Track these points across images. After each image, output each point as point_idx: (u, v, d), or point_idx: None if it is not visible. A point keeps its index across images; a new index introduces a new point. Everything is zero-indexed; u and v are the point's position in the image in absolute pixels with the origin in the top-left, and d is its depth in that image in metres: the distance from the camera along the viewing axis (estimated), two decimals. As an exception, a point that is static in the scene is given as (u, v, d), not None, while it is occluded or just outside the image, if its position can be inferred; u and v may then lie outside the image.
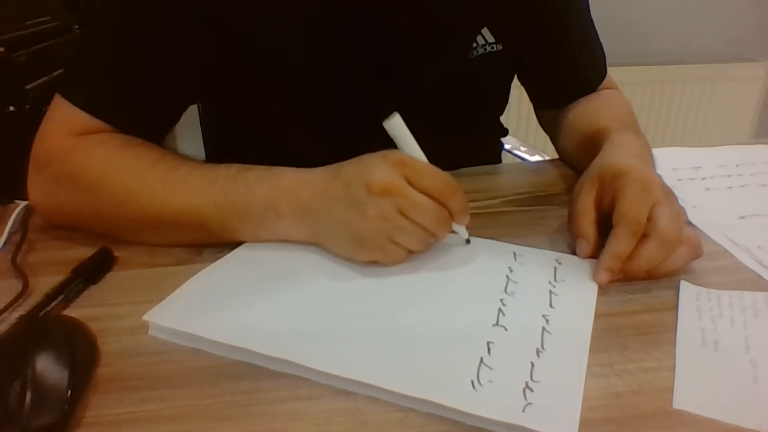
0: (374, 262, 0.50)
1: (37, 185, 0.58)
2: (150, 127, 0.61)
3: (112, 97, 0.58)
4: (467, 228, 0.54)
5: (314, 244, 0.52)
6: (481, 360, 0.40)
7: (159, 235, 0.55)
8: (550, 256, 0.54)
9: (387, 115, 0.49)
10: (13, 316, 0.45)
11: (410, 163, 0.48)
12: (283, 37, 0.63)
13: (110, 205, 0.54)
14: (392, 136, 0.50)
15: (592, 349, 0.42)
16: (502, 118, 0.86)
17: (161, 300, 0.46)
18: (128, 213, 0.54)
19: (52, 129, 0.58)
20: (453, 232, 0.53)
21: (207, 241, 0.54)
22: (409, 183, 0.47)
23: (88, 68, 0.60)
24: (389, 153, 0.49)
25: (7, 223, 0.57)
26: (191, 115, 0.92)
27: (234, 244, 0.54)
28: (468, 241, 0.54)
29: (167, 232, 0.54)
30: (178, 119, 0.67)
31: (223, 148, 0.85)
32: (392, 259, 0.50)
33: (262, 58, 0.64)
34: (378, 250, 0.49)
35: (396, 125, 0.50)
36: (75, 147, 0.56)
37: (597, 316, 0.46)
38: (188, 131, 0.91)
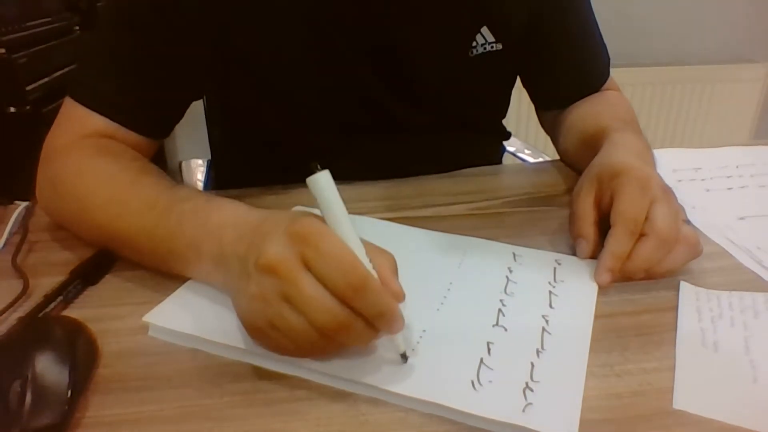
0: (259, 345, 0.41)
1: (39, 183, 0.59)
2: (156, 123, 0.62)
3: (116, 95, 0.59)
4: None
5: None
6: (481, 360, 0.40)
7: (115, 251, 0.53)
8: (550, 256, 0.54)
9: (313, 171, 0.38)
10: (13, 316, 0.46)
11: (315, 239, 0.37)
12: (282, 38, 0.63)
13: (72, 214, 0.56)
14: (315, 198, 0.39)
15: (592, 350, 0.42)
16: (504, 121, 0.86)
17: (161, 301, 0.46)
18: (83, 226, 0.55)
19: (59, 129, 0.60)
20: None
21: (151, 268, 0.50)
22: (306, 265, 0.37)
23: (94, 68, 0.61)
24: (299, 221, 0.38)
25: (7, 223, 0.58)
26: (196, 114, 0.93)
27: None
28: (404, 358, 0.40)
29: (117, 250, 0.53)
30: (181, 117, 0.68)
31: (227, 147, 0.85)
32: (276, 348, 0.40)
33: (261, 60, 0.64)
34: (257, 332, 0.40)
35: (321, 185, 0.38)
36: (67, 150, 0.57)
37: (597, 316, 0.46)
38: (193, 130, 0.91)
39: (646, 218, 0.49)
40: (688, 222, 0.59)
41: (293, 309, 0.37)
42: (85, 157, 0.56)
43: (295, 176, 0.44)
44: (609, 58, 0.79)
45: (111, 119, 0.59)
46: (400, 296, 0.39)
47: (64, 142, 0.58)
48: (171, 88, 0.62)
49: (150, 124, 0.62)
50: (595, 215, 0.53)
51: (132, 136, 0.60)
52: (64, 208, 0.56)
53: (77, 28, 1.49)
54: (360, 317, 0.37)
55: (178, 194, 0.50)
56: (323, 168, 0.38)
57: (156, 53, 0.60)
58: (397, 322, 0.38)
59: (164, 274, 0.49)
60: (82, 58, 0.62)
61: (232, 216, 0.45)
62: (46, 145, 0.59)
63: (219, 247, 0.44)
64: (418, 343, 0.42)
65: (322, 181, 0.38)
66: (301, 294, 0.36)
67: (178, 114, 0.67)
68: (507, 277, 0.50)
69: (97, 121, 0.59)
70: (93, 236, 0.54)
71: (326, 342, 0.38)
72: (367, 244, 0.39)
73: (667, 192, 0.51)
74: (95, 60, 0.61)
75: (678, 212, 0.51)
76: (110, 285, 0.51)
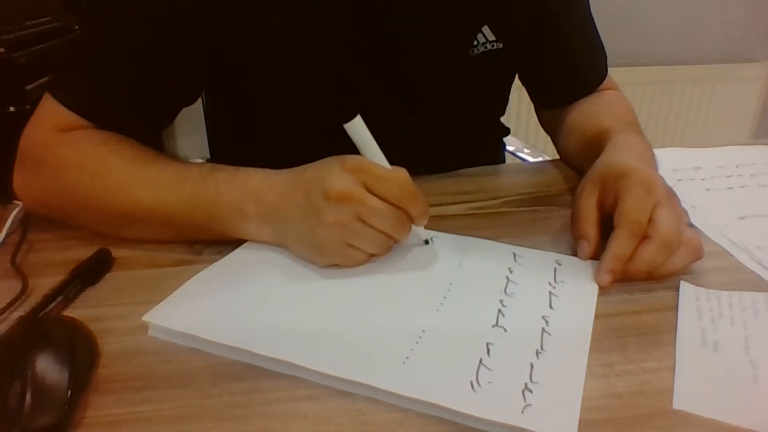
0: (335, 266, 0.50)
1: (19, 176, 0.59)
2: (137, 129, 0.61)
3: (99, 99, 0.59)
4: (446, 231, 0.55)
5: (279, 245, 0.53)
6: (481, 361, 0.40)
7: (133, 230, 0.55)
8: (550, 257, 0.54)
9: (349, 117, 0.48)
10: (13, 316, 0.46)
11: (369, 168, 0.48)
12: (277, 38, 0.63)
13: (88, 197, 0.55)
14: (353, 140, 0.49)
15: (592, 350, 0.42)
16: (503, 119, 0.86)
17: (161, 300, 0.45)
18: (104, 207, 0.55)
19: (37, 124, 0.59)
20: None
21: (178, 239, 0.55)
22: (367, 189, 0.48)
23: (77, 69, 0.60)
24: (349, 158, 0.49)
25: (5, 223, 0.57)
26: (196, 114, 0.93)
27: (234, 245, 0.54)
28: (427, 242, 0.55)
29: (140, 227, 0.55)
30: (170, 122, 0.68)
31: (227, 147, 0.85)
32: (351, 261, 0.50)
33: (260, 61, 0.64)
34: (336, 254, 0.50)
35: (357, 128, 0.49)
36: (56, 141, 0.57)
37: (597, 316, 0.46)
38: (193, 130, 0.91)
39: (650, 221, 0.49)
40: (691, 225, 0.59)
41: (365, 224, 0.48)
42: (97, 143, 0.57)
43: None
44: (606, 57, 0.79)
45: (92, 122, 0.59)
46: (426, 199, 0.51)
47: (50, 135, 0.58)
48: (156, 94, 0.62)
49: (134, 130, 0.60)
50: (598, 216, 0.53)
51: None
52: (68, 196, 0.56)
53: (77, 27, 1.49)
54: (409, 217, 0.50)
55: (204, 166, 0.55)
56: (355, 113, 0.48)
57: (144, 57, 0.59)
58: (427, 216, 0.52)
59: (164, 273, 0.49)
60: (67, 57, 0.62)
61: (268, 179, 0.53)
62: (23, 140, 0.59)
63: (264, 206, 0.51)
64: (417, 343, 0.42)
65: (358, 124, 0.49)
66: (373, 210, 0.48)
67: (164, 120, 0.66)
68: (507, 277, 0.50)
69: (79, 120, 0.58)
70: (110, 217, 0.55)
71: (388, 242, 0.51)
72: (394, 168, 0.50)
73: (671, 195, 0.51)
74: (79, 60, 0.61)
75: (681, 215, 0.51)
76: (110, 285, 0.51)
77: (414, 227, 0.52)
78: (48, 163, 0.57)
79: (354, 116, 0.48)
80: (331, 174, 0.48)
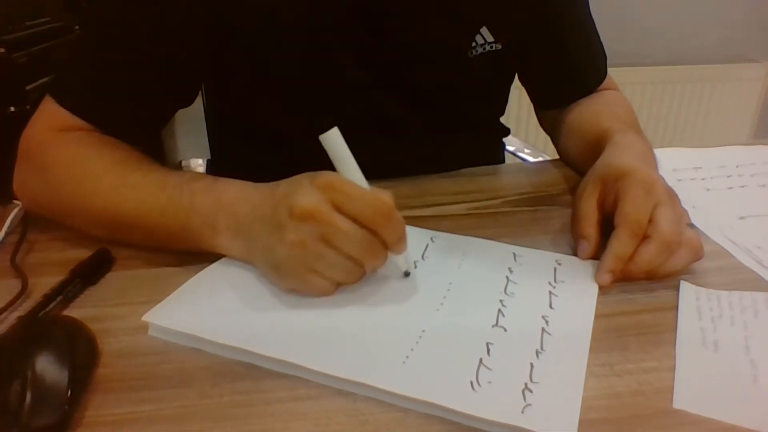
0: (294, 291, 0.46)
1: (18, 175, 0.59)
2: (134, 130, 0.61)
3: (97, 99, 0.59)
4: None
5: (248, 263, 0.50)
6: (481, 361, 0.40)
7: (117, 236, 0.54)
8: (550, 257, 0.54)
9: (324, 128, 0.44)
10: (13, 316, 0.46)
11: (340, 186, 0.44)
12: (279, 38, 0.63)
13: (72, 202, 0.55)
14: (328, 153, 0.45)
15: (592, 349, 0.42)
16: (503, 119, 0.86)
17: (161, 300, 0.46)
18: (87, 212, 0.55)
19: (36, 124, 0.60)
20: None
21: (160, 247, 0.53)
22: (337, 208, 0.43)
23: (75, 70, 0.60)
24: (321, 174, 0.45)
25: (5, 222, 0.57)
26: (196, 114, 0.93)
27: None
28: (407, 274, 0.49)
29: (123, 233, 0.54)
30: (166, 123, 0.68)
31: (226, 147, 0.85)
32: (313, 289, 0.46)
33: (259, 62, 0.64)
34: (294, 278, 0.45)
35: (333, 141, 0.44)
36: (51, 142, 0.58)
37: (597, 316, 0.46)
38: (193, 130, 0.91)
39: (650, 221, 0.49)
40: (691, 225, 0.59)
41: (331, 247, 0.43)
42: (84, 146, 0.57)
43: (293, 176, 0.46)
44: (606, 57, 0.79)
45: (90, 123, 0.59)
46: (404, 223, 0.46)
47: (48, 135, 0.58)
48: (154, 96, 0.62)
49: (131, 131, 0.61)
50: (598, 216, 0.54)
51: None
52: (57, 198, 0.56)
53: (77, 27, 1.49)
54: (382, 243, 0.45)
55: (185, 175, 0.53)
56: (332, 125, 0.44)
57: (143, 59, 0.59)
58: (406, 243, 0.46)
59: (164, 273, 0.49)
60: (68, 57, 0.62)
61: (242, 191, 0.50)
62: (22, 139, 0.59)
63: (235, 220, 0.49)
64: (417, 343, 0.42)
65: (334, 136, 0.44)
66: (339, 231, 0.43)
67: (161, 121, 0.67)
68: (507, 277, 0.50)
69: (77, 121, 0.58)
70: (95, 222, 0.55)
71: (357, 270, 0.45)
72: (370, 188, 0.46)
73: (671, 195, 0.51)
74: (79, 61, 0.61)
75: (681, 215, 0.51)
76: (110, 285, 0.50)
77: (392, 256, 0.47)
78: (40, 164, 0.57)
79: (330, 127, 0.44)
80: (299, 189, 0.44)
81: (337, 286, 0.46)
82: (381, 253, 0.45)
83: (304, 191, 0.44)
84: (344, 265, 0.45)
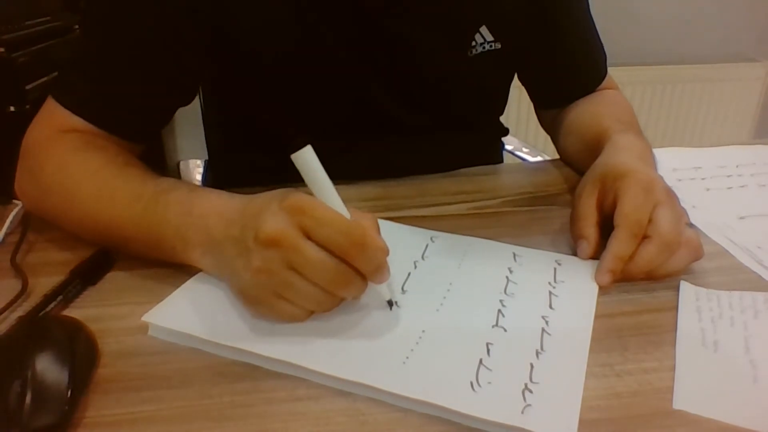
0: (263, 317, 0.43)
1: (17, 175, 0.59)
2: (134, 129, 0.61)
3: (97, 100, 0.59)
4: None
5: (221, 280, 0.48)
6: (481, 361, 0.40)
7: (100, 242, 0.54)
8: (550, 257, 0.54)
9: (297, 147, 0.40)
10: (13, 316, 0.45)
11: (310, 209, 0.40)
12: (278, 39, 0.63)
13: (56, 206, 0.56)
14: (301, 173, 0.41)
15: (592, 350, 0.42)
16: (502, 118, 0.86)
17: (161, 301, 0.46)
18: (70, 218, 0.55)
19: (37, 125, 0.60)
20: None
21: (141, 256, 0.52)
22: (306, 234, 0.40)
23: (76, 70, 0.60)
24: (290, 196, 0.41)
25: (5, 222, 0.57)
26: (195, 114, 0.92)
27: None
28: (390, 304, 0.45)
29: (104, 241, 0.53)
30: (167, 122, 0.68)
31: (224, 147, 0.85)
32: (283, 315, 0.42)
33: (257, 61, 0.64)
34: (261, 305, 0.43)
35: (305, 160, 0.41)
36: (47, 144, 0.58)
37: (597, 316, 0.46)
38: (191, 130, 0.91)
39: (650, 221, 0.49)
40: (691, 225, 0.59)
41: (298, 275, 0.40)
42: (70, 150, 0.56)
43: (293, 176, 0.45)
44: (606, 57, 0.79)
45: (90, 123, 0.59)
46: (386, 251, 0.42)
47: (46, 136, 0.58)
48: (155, 95, 0.61)
49: (133, 130, 0.61)
50: (597, 216, 0.54)
51: (115, 138, 0.60)
52: (47, 201, 0.56)
53: (77, 27, 1.49)
54: (357, 272, 0.41)
55: (162, 185, 0.52)
56: (305, 143, 0.41)
57: (142, 57, 0.59)
58: (387, 272, 0.42)
59: (164, 273, 0.49)
60: (69, 58, 0.62)
61: (216, 204, 0.47)
62: (26, 139, 0.59)
63: (207, 235, 0.46)
64: (417, 343, 0.42)
65: (307, 155, 0.41)
66: (306, 259, 0.40)
67: (162, 120, 0.66)
68: (507, 277, 0.50)
69: (78, 121, 0.59)
70: (78, 227, 0.55)
71: (329, 299, 0.42)
72: (351, 210, 0.42)
73: (671, 195, 0.51)
74: (81, 61, 0.61)
75: (681, 215, 0.51)
76: (110, 285, 0.50)
77: (374, 285, 0.43)
78: (34, 166, 0.58)
79: (303, 146, 0.41)
80: (267, 211, 0.41)
81: (310, 313, 0.43)
82: (355, 284, 0.42)
83: (271, 213, 0.41)
84: (314, 294, 0.41)
